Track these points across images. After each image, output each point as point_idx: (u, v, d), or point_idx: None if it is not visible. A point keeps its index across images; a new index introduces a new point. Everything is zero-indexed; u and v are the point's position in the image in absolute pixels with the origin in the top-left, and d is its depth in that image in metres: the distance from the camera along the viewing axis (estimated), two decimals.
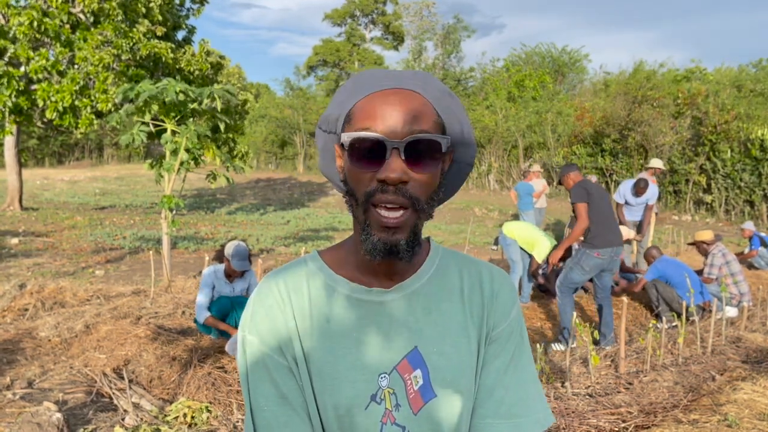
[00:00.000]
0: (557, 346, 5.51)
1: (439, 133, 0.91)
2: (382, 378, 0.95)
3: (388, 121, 0.87)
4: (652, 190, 8.42)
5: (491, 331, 1.02)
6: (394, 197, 0.86)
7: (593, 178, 11.86)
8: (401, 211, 0.87)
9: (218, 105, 6.92)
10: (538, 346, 5.49)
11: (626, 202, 8.53)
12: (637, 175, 9.60)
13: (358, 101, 0.91)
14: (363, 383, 0.95)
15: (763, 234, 9.80)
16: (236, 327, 5.03)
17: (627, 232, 6.38)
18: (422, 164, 0.88)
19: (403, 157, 0.86)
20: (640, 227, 8.41)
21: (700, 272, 7.02)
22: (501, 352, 1.02)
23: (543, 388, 4.03)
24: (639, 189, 8.27)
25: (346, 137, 0.87)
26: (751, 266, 9.30)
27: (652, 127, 19.48)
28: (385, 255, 0.89)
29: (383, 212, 0.87)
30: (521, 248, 6.97)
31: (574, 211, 5.59)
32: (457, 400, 0.98)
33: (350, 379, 0.94)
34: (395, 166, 0.85)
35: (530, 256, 6.97)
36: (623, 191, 8.58)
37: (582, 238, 5.53)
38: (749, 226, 9.85)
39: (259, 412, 0.94)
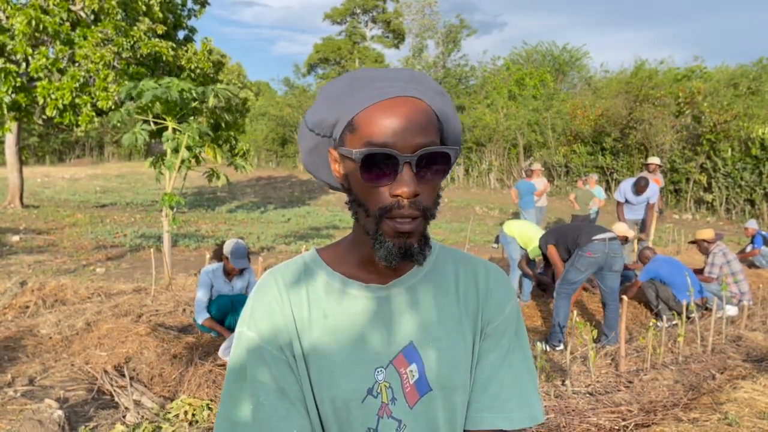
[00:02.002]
0: (542, 345, 5.50)
1: (440, 138, 0.93)
2: (378, 372, 0.97)
3: (398, 134, 0.87)
4: (653, 189, 8.44)
5: (486, 327, 1.04)
6: (410, 211, 0.88)
7: (594, 177, 11.85)
8: (413, 220, 0.89)
9: (222, 102, 6.93)
10: (538, 344, 5.50)
11: (627, 201, 8.54)
12: (638, 174, 9.60)
13: (362, 110, 0.89)
14: (360, 377, 0.96)
15: (765, 233, 9.78)
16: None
17: (626, 230, 6.38)
18: (431, 175, 0.90)
19: (415, 171, 0.87)
20: (643, 226, 8.41)
21: (699, 271, 7.02)
22: (496, 347, 1.04)
23: (543, 386, 4.01)
24: (639, 188, 8.29)
25: (359, 153, 0.87)
26: (752, 265, 9.30)
27: (653, 126, 19.48)
28: (400, 259, 0.91)
29: (397, 222, 0.88)
30: (522, 247, 6.97)
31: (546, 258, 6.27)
32: (452, 394, 1.00)
33: (347, 373, 0.96)
34: (409, 181, 0.86)
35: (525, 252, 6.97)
36: (623, 189, 8.59)
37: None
38: (753, 224, 9.83)
39: (258, 406, 0.95)
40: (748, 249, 9.55)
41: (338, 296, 0.99)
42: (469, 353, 1.02)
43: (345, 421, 0.96)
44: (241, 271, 5.21)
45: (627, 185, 8.58)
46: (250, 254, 5.31)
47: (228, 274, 5.17)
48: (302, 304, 0.99)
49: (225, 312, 5.08)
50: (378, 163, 0.87)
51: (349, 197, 0.95)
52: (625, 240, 6.24)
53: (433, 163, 0.89)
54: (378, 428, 0.97)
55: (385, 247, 0.90)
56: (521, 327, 1.09)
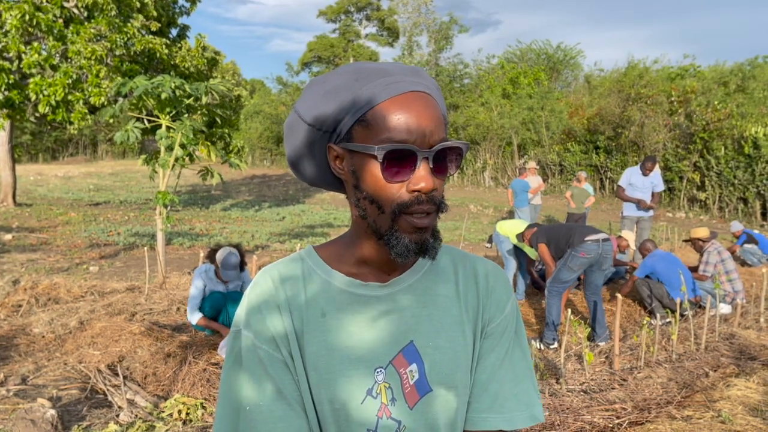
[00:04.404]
0: (536, 344, 5.52)
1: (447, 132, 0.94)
2: (378, 372, 0.96)
3: (416, 129, 0.87)
4: (658, 177, 8.54)
5: (486, 326, 1.03)
6: (428, 206, 0.89)
7: (583, 174, 11.84)
8: (428, 215, 0.90)
9: (216, 98, 6.91)
10: (533, 342, 5.52)
11: (630, 184, 8.60)
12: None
13: (377, 105, 0.89)
14: (359, 378, 0.95)
15: (755, 232, 9.85)
16: (230, 324, 5.02)
17: (631, 237, 6.42)
18: (445, 169, 0.91)
19: (431, 165, 0.88)
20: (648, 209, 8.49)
21: (693, 269, 7.05)
22: (496, 347, 1.03)
23: (537, 384, 4.03)
24: (647, 168, 8.39)
25: (381, 149, 0.86)
26: (744, 263, 9.35)
27: (646, 125, 19.55)
28: (415, 254, 0.91)
29: (415, 218, 0.89)
30: (515, 246, 7.00)
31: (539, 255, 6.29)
32: (453, 395, 0.98)
33: (346, 374, 0.94)
34: (427, 176, 0.87)
35: (524, 253, 7.00)
36: (627, 175, 8.70)
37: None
38: (736, 227, 9.99)
39: (255, 407, 0.94)
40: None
41: (336, 295, 0.98)
42: (469, 353, 1.01)
43: (344, 423, 0.95)
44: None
45: (631, 170, 8.72)
46: (245, 260, 5.26)
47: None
48: (299, 302, 0.97)
49: (218, 308, 5.05)
50: (397, 159, 0.87)
51: (355, 194, 0.93)
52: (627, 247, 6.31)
53: (446, 158, 0.91)
54: (377, 429, 0.95)
55: (402, 243, 0.90)
56: (520, 325, 1.08)
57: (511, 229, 6.98)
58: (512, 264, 7.03)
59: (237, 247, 5.18)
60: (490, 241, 9.52)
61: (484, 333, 1.03)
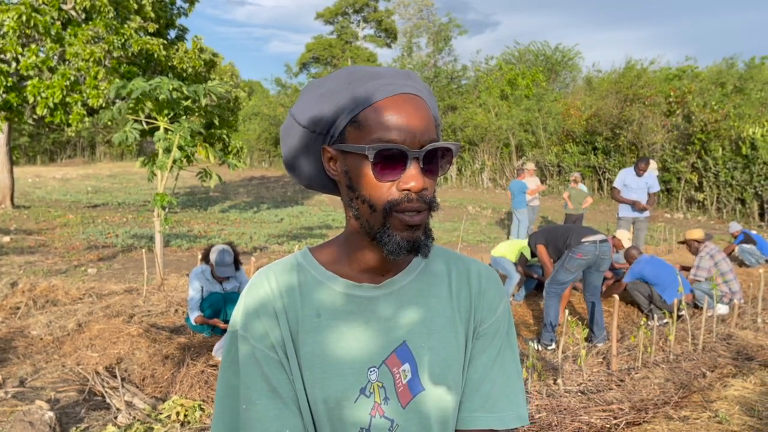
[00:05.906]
0: (534, 344, 5.53)
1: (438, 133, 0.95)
2: (371, 372, 0.97)
3: (406, 130, 0.89)
4: (653, 178, 8.56)
5: (478, 327, 1.05)
6: (418, 204, 0.90)
7: (576, 175, 11.85)
8: (420, 212, 0.91)
9: (215, 99, 6.91)
10: (530, 343, 5.53)
11: (625, 185, 8.62)
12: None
13: (369, 107, 0.90)
14: (352, 377, 0.96)
15: (753, 232, 9.88)
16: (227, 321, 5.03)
17: (626, 238, 6.43)
18: (436, 169, 0.93)
19: (422, 165, 0.90)
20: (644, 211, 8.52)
21: (688, 268, 7.08)
22: (488, 347, 1.05)
23: (535, 384, 4.02)
24: (640, 168, 8.41)
25: (372, 148, 0.88)
26: (742, 264, 9.37)
27: (644, 126, 19.57)
28: (407, 252, 0.92)
29: (406, 215, 0.90)
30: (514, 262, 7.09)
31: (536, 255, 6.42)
32: (445, 394, 1.00)
33: (340, 373, 0.96)
34: (417, 176, 0.89)
35: (517, 262, 7.07)
36: (622, 176, 8.73)
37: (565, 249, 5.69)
38: (735, 227, 10.02)
39: (251, 406, 0.95)
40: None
41: (331, 296, 0.99)
42: (461, 353, 1.03)
43: (337, 421, 0.96)
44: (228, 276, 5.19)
45: (626, 171, 8.76)
46: (239, 258, 5.27)
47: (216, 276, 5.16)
48: (295, 303, 0.99)
49: (218, 309, 5.08)
50: (388, 159, 0.89)
51: (349, 195, 0.95)
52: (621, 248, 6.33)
53: (437, 158, 0.93)
54: (370, 428, 0.97)
55: (394, 241, 0.91)
56: (512, 327, 1.10)
57: (506, 249, 7.11)
58: (515, 275, 7.08)
59: (230, 245, 5.21)
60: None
61: (477, 333, 1.05)
